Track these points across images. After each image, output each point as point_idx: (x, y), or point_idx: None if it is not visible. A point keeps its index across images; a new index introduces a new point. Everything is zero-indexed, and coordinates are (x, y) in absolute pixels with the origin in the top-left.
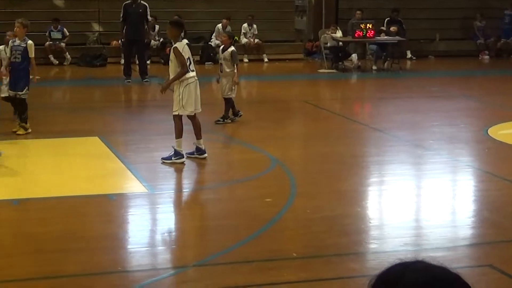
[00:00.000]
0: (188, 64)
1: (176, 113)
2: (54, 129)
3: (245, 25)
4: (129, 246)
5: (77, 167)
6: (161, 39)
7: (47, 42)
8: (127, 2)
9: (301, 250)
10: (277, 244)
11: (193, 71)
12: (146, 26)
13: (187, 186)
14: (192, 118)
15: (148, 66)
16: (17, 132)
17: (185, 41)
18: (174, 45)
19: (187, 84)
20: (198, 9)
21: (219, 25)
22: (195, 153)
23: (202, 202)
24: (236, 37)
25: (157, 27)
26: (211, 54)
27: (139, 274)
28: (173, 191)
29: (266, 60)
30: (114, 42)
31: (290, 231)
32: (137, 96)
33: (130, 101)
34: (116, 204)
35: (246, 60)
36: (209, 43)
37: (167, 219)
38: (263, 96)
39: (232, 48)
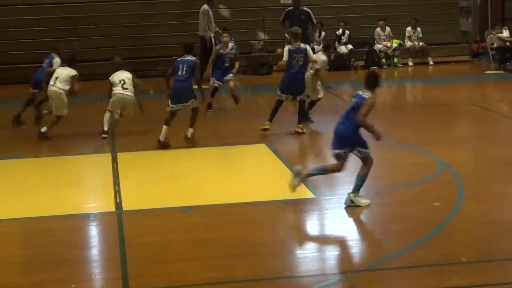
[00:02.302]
0: None
1: None
2: (223, 136)
3: (409, 28)
4: (297, 252)
5: (246, 174)
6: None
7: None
8: (289, 8)
9: (471, 255)
10: (446, 249)
11: None
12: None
13: None
14: None
15: None
16: (296, 130)
17: None
18: None
19: None
20: (362, 14)
21: (378, 29)
22: None
23: (370, 207)
24: (400, 41)
25: (323, 33)
26: (376, 59)
27: (307, 280)
28: (340, 196)
29: (431, 63)
30: (279, 50)
31: (459, 235)
32: None
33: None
34: (283, 210)
35: (411, 63)
36: (373, 47)
37: (335, 224)
38: (430, 99)
39: None
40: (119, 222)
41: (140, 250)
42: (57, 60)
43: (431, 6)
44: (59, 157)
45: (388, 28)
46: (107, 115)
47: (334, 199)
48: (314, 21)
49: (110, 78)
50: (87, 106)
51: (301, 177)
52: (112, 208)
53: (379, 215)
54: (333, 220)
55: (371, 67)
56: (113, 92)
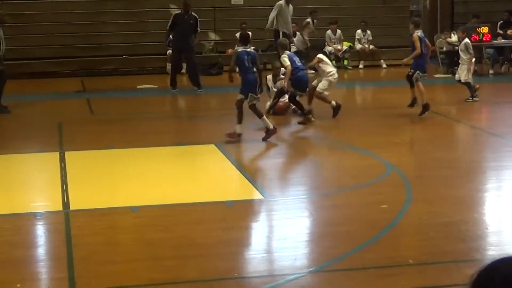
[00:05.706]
0: None
1: None
2: (170, 137)
3: (359, 31)
4: (245, 253)
5: (194, 174)
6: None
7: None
8: (178, 12)
9: (418, 257)
10: (393, 251)
11: None
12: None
13: (303, 193)
14: None
15: None
16: None
17: None
18: None
19: None
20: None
21: (329, 31)
22: None
23: (317, 209)
24: (350, 44)
25: None
26: None
27: (255, 281)
28: (288, 197)
29: (384, 66)
30: (230, 50)
31: (406, 238)
32: None
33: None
34: (233, 211)
35: (361, 66)
36: (324, 49)
37: (283, 226)
38: (379, 102)
39: (466, 39)
40: (66, 222)
41: (87, 250)
42: None
43: (381, 9)
44: (4, 156)
45: (339, 31)
46: None
47: (282, 201)
48: (199, 29)
49: None
50: (34, 104)
51: None
52: (59, 207)
53: (327, 217)
54: (280, 221)
55: None
56: None
